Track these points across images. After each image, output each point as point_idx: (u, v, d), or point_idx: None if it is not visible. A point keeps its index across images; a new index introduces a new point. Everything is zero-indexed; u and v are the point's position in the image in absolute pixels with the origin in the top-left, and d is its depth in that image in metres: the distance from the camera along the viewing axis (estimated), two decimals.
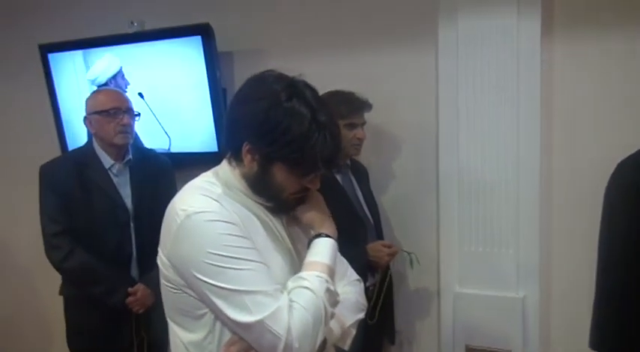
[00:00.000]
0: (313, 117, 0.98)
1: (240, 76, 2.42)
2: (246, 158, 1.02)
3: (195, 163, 2.42)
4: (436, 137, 2.17)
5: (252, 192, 1.06)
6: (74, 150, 2.15)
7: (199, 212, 0.98)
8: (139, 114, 2.08)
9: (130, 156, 2.05)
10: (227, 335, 1.01)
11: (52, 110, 2.66)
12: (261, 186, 1.05)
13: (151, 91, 2.43)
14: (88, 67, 2.53)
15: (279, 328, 0.92)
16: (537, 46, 1.95)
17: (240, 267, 0.95)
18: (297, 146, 0.97)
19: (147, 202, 2.02)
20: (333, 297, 1.02)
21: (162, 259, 1.05)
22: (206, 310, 1.01)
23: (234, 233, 0.97)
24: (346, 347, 1.16)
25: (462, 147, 2.08)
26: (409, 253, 2.08)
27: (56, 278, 2.08)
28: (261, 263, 0.98)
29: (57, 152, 2.65)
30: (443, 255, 2.19)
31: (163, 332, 2.08)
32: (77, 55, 2.54)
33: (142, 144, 2.40)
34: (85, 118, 2.02)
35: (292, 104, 0.98)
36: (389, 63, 2.22)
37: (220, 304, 0.95)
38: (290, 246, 1.09)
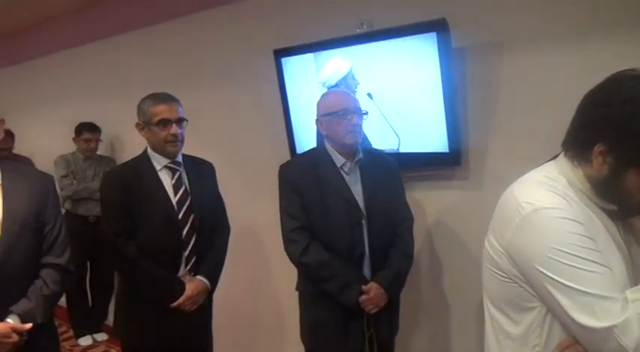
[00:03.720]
0: None
1: (473, 72, 2.27)
2: (597, 160, 0.99)
3: (424, 164, 2.35)
4: None
5: (596, 194, 1.03)
6: (309, 151, 2.20)
7: (548, 207, 0.98)
8: (366, 113, 2.06)
9: (361, 156, 2.06)
10: (556, 333, 1.03)
11: (283, 113, 2.79)
12: (608, 190, 1.01)
13: (380, 91, 2.40)
14: (318, 69, 2.59)
15: (629, 341, 0.89)
16: None
17: (588, 268, 0.95)
18: None
19: (377, 202, 2.02)
20: None
21: (494, 247, 1.08)
22: (537, 304, 1.03)
23: (581, 232, 0.96)
24: None
25: None
26: None
27: (292, 274, 2.14)
28: (606, 267, 0.96)
29: (287, 153, 2.79)
30: None
31: (391, 333, 2.06)
32: (308, 58, 2.62)
33: (369, 144, 2.38)
34: (317, 120, 2.07)
35: None
36: None
37: (564, 302, 0.96)
38: (627, 252, 1.03)
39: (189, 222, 2.16)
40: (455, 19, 2.20)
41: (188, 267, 2.18)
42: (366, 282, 1.97)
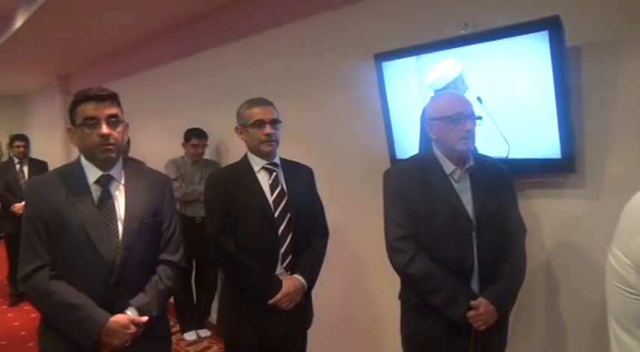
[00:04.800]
0: None
1: (590, 72, 2.10)
2: None
3: (535, 170, 2.21)
4: None
5: None
6: (415, 156, 2.14)
7: None
8: (480, 118, 1.96)
9: (472, 163, 1.96)
10: None
11: (383, 118, 2.76)
12: None
13: (489, 95, 2.29)
14: (420, 73, 2.54)
15: None
16: None
17: None
18: None
19: (488, 212, 1.91)
20: None
21: (620, 260, 1.01)
22: None
23: None
24: None
25: None
26: None
27: (393, 282, 2.10)
28: None
29: (387, 159, 2.76)
30: None
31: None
32: (410, 61, 2.57)
33: (476, 150, 2.28)
34: (427, 124, 2.00)
35: None
36: None
37: None
38: None
39: (286, 220, 2.23)
40: (568, 16, 2.05)
41: (284, 265, 2.22)
42: (475, 297, 1.88)
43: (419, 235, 1.92)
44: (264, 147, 2.25)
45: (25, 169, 5.20)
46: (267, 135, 2.22)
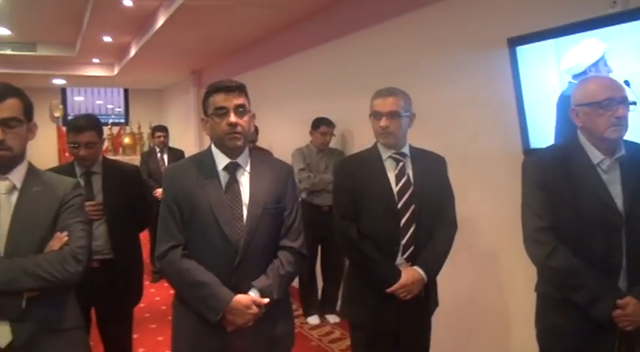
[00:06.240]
0: None
1: None
2: None
3: None
4: None
5: None
6: (557, 145, 2.02)
7: None
8: (634, 103, 1.79)
9: (623, 152, 1.80)
10: None
11: (517, 106, 2.62)
12: None
13: (636, 78, 2.08)
14: (558, 57, 2.37)
15: None
16: None
17: None
18: None
19: None
20: None
21: None
22: None
23: None
24: None
25: None
26: None
27: (525, 273, 1.99)
28: None
29: (519, 149, 2.62)
30: None
31: None
32: (548, 45, 2.41)
33: None
34: (571, 110, 1.86)
35: None
36: None
37: None
38: None
39: (409, 211, 2.19)
40: None
41: (405, 256, 2.20)
42: (622, 295, 1.74)
43: (561, 228, 1.81)
44: (380, 139, 2.25)
45: (165, 157, 5.66)
46: (382, 127, 2.20)
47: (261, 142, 5.23)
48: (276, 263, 1.90)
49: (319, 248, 4.28)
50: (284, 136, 5.30)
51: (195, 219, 1.84)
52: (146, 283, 5.44)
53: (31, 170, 1.76)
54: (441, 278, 2.33)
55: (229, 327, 1.81)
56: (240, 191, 1.87)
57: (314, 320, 4.31)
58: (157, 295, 5.16)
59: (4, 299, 1.56)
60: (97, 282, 2.38)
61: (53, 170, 2.14)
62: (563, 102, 2.32)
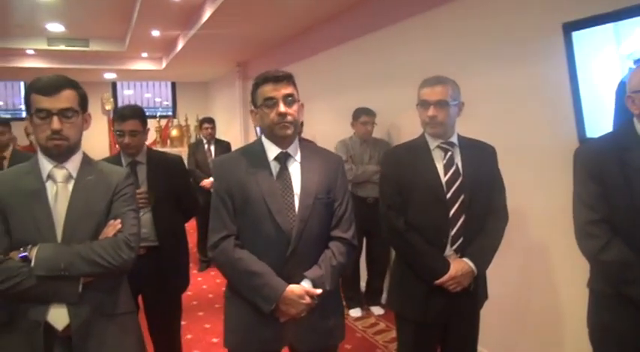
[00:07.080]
0: None
1: None
2: None
3: None
4: None
5: None
6: (611, 134, 1.94)
7: None
8: None
9: None
10: None
11: (572, 94, 2.52)
12: None
13: None
14: (619, 42, 2.26)
15: None
16: None
17: None
18: None
19: None
20: None
21: None
22: None
23: None
24: None
25: None
26: None
27: (576, 268, 1.92)
28: None
29: (574, 138, 2.52)
30: None
31: None
32: (606, 29, 2.30)
33: None
34: (627, 97, 1.78)
35: None
36: None
37: None
38: None
39: (459, 201, 2.14)
40: None
41: (454, 247, 2.16)
42: None
43: (615, 220, 1.74)
44: (428, 129, 2.21)
45: (212, 149, 5.74)
46: (430, 117, 2.16)
47: (306, 134, 5.22)
48: (328, 253, 1.89)
49: (364, 241, 4.26)
50: (328, 128, 5.29)
51: (248, 208, 1.85)
52: (193, 272, 5.59)
53: (86, 159, 1.81)
54: (491, 271, 2.28)
55: (282, 318, 1.82)
56: (291, 180, 1.88)
57: (356, 312, 4.30)
58: (204, 283, 5.27)
59: (61, 283, 1.61)
60: (143, 269, 2.43)
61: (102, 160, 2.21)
62: (622, 89, 2.21)
